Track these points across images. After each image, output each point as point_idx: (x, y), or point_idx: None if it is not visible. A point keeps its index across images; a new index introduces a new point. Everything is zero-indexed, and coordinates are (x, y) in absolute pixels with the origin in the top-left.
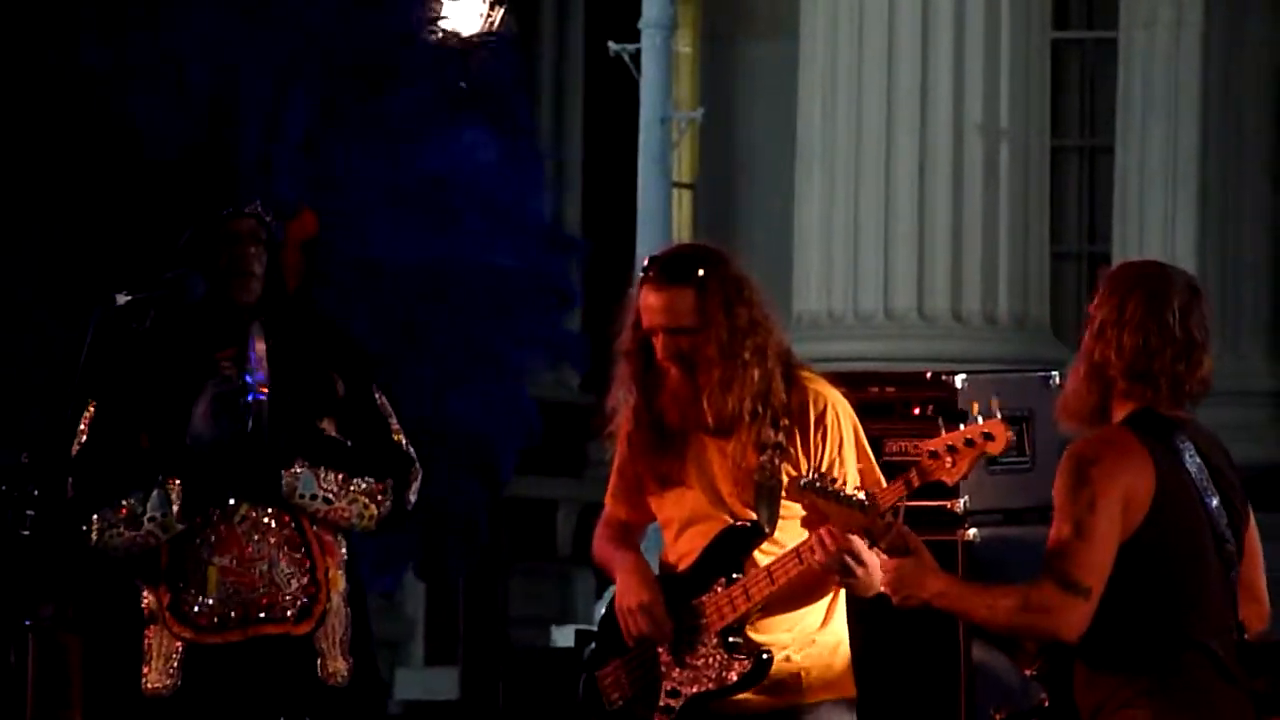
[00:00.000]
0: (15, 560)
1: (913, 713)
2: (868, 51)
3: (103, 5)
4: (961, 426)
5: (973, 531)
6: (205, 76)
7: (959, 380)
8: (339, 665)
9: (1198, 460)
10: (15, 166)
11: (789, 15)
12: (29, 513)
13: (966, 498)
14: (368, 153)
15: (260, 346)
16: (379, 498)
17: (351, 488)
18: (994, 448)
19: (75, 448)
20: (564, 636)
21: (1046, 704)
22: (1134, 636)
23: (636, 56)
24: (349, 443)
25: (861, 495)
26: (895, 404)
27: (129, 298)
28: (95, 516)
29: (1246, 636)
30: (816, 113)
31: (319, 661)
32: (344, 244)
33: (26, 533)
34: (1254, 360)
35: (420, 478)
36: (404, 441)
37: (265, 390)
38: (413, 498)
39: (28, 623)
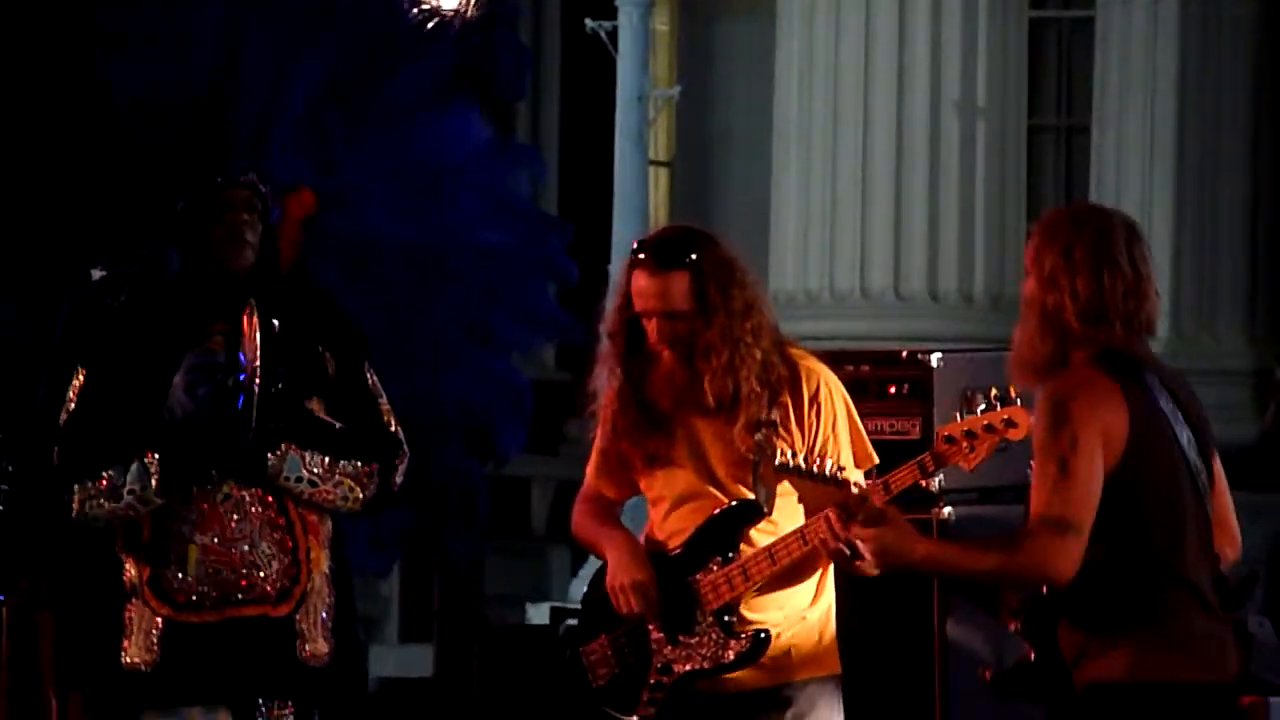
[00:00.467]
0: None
1: (887, 686)
2: (845, 30)
3: None
4: (979, 412)
5: (948, 510)
6: (207, 51)
7: (934, 359)
8: (319, 647)
9: (1165, 394)
10: (12, 133)
11: None
12: (3, 488)
13: (941, 476)
14: (364, 135)
15: (253, 324)
16: (365, 480)
17: (337, 470)
18: (1016, 434)
19: (63, 417)
20: (539, 614)
21: (1032, 658)
22: (1114, 576)
23: (613, 34)
24: (337, 423)
25: (837, 472)
26: (870, 383)
27: (103, 273)
28: (77, 487)
29: (1221, 568)
30: (793, 91)
31: (299, 643)
32: (340, 222)
33: (1, 508)
34: (1231, 340)
35: (407, 460)
36: (393, 423)
37: (256, 369)
38: (399, 480)
39: (1, 598)
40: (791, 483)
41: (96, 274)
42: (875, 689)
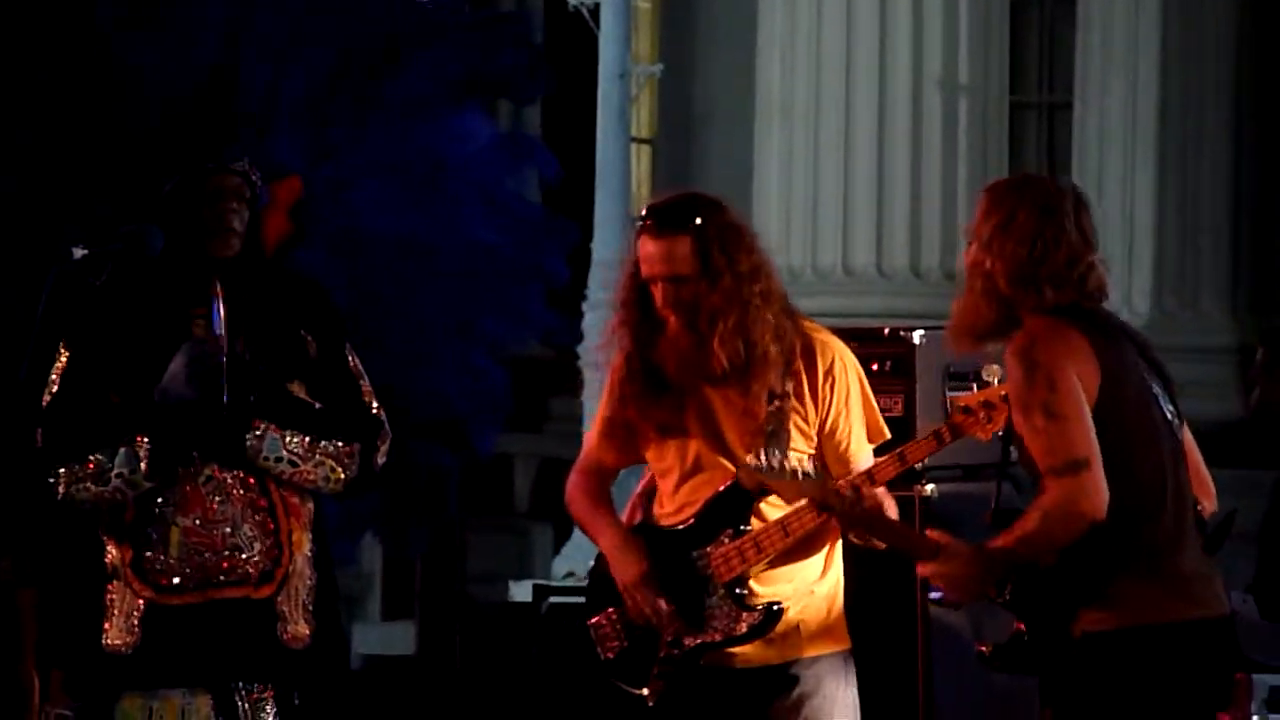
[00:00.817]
0: None
1: (871, 662)
2: (827, 7)
3: None
4: (996, 382)
5: (930, 487)
6: (212, 35)
7: (917, 336)
8: (300, 629)
9: (1131, 347)
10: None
11: None
12: None
13: None
14: (367, 127)
15: (222, 307)
16: (346, 461)
17: (318, 451)
18: None
19: (46, 398)
20: (522, 591)
21: (1022, 629)
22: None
23: (596, 10)
24: (318, 405)
25: (809, 468)
26: None
27: (85, 251)
28: (63, 470)
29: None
30: (776, 68)
31: (280, 625)
32: (331, 211)
33: None
34: (1214, 317)
35: (389, 441)
36: (374, 404)
37: (240, 349)
38: (381, 460)
39: None
40: (767, 485)
41: (78, 252)
42: (860, 664)
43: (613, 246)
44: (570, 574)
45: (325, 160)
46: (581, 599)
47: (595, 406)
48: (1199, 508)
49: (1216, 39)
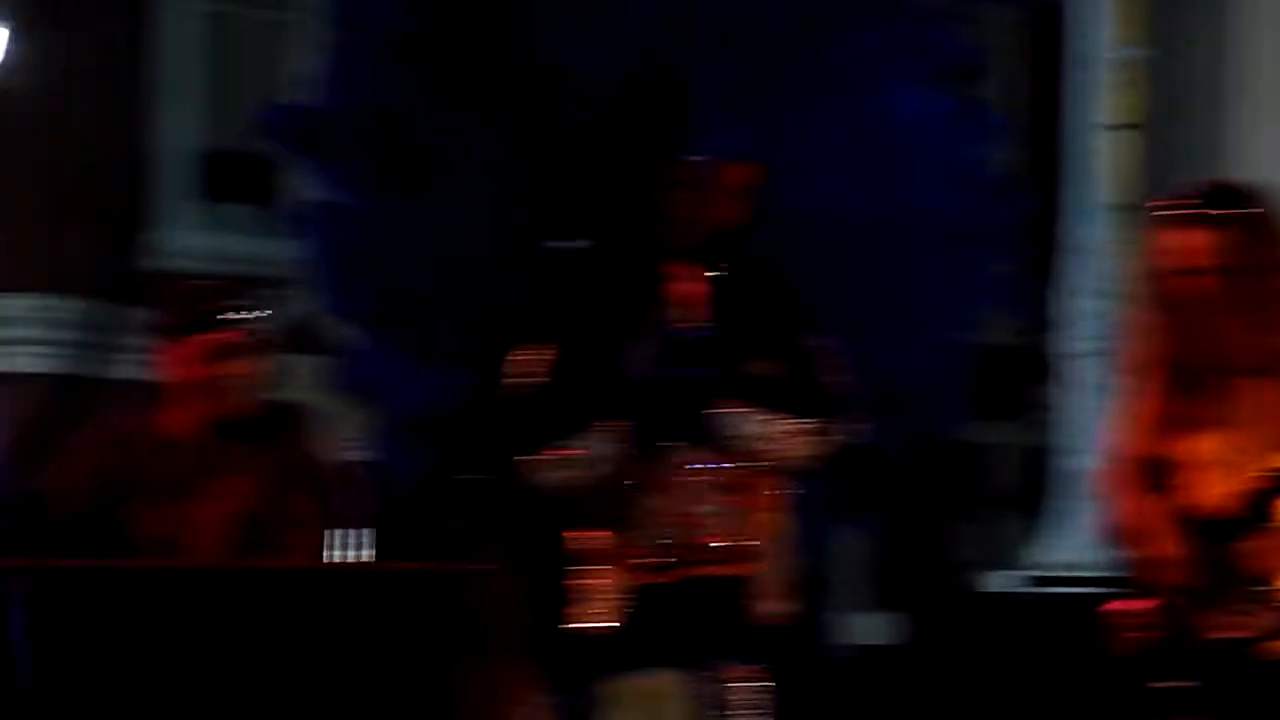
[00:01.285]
0: (465, 508)
1: None
2: None
3: None
4: None
5: None
6: (641, 24)
7: None
8: (774, 607)
9: None
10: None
11: None
12: (475, 459)
13: None
14: (812, 102)
15: (698, 289)
16: (810, 438)
17: (783, 429)
18: None
19: (530, 386)
20: (999, 581)
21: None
22: None
23: None
24: (781, 384)
25: None
26: None
27: (558, 246)
28: (545, 455)
29: None
30: (1263, 41)
31: (752, 603)
32: (786, 193)
33: (475, 478)
34: None
35: (851, 420)
36: (835, 383)
37: (703, 331)
38: (844, 439)
39: (481, 568)
40: None
41: (553, 247)
42: None
43: (1081, 234)
44: (1048, 564)
45: (768, 142)
46: (1063, 589)
47: (1072, 396)
48: None
49: None
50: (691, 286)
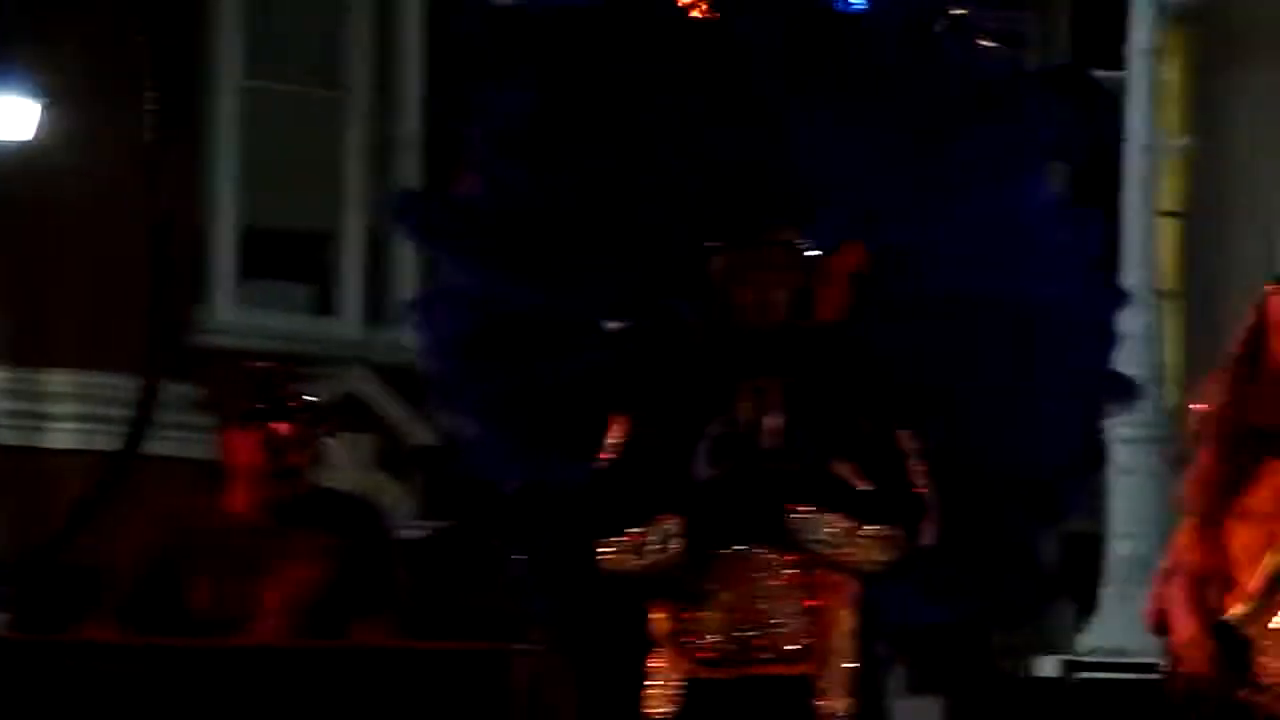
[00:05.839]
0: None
1: None
2: None
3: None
4: None
5: None
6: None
7: None
8: (838, 704)
9: None
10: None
11: None
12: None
13: None
14: (930, 189)
15: (776, 386)
16: (886, 544)
17: (859, 534)
18: None
19: (600, 465)
20: (1047, 666)
21: None
22: None
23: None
24: (863, 485)
25: None
26: None
27: (619, 325)
28: (608, 538)
29: None
30: None
31: (818, 700)
32: (889, 278)
33: (518, 557)
34: None
35: (934, 520)
36: (921, 484)
37: (778, 433)
38: (924, 542)
39: (520, 648)
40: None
41: (612, 326)
42: None
43: (1131, 320)
44: (1096, 649)
45: (882, 229)
46: (1109, 674)
47: (1122, 481)
48: None
49: None
50: (779, 378)
